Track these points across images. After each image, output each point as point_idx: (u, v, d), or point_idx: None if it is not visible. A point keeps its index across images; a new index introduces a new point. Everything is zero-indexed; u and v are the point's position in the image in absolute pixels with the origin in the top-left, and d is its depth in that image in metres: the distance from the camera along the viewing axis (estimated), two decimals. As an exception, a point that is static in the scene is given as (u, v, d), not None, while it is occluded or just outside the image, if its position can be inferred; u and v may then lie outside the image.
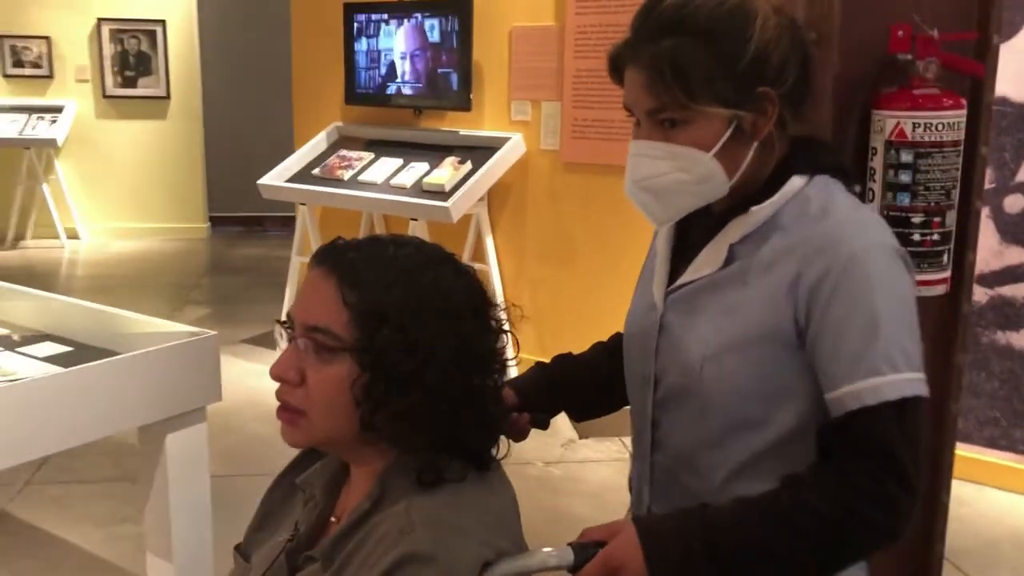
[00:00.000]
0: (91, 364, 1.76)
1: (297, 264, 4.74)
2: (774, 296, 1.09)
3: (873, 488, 1.01)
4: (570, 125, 4.17)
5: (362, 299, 1.02)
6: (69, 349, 2.07)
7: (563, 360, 1.45)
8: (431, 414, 1.04)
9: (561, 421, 4.14)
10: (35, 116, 7.55)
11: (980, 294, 3.23)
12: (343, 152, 4.69)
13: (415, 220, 4.18)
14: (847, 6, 1.52)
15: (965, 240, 1.64)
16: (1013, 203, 3.20)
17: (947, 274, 1.58)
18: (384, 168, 4.47)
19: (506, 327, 1.17)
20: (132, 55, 7.92)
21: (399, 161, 4.48)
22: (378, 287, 1.03)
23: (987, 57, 1.60)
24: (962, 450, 1.85)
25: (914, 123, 1.50)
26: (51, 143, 7.33)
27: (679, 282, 1.20)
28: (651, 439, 1.25)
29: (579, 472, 3.44)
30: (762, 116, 1.11)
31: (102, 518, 2.98)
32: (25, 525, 2.99)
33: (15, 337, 2.15)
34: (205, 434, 1.97)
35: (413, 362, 1.02)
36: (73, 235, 7.66)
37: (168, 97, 7.98)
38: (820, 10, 1.55)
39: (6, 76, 7.71)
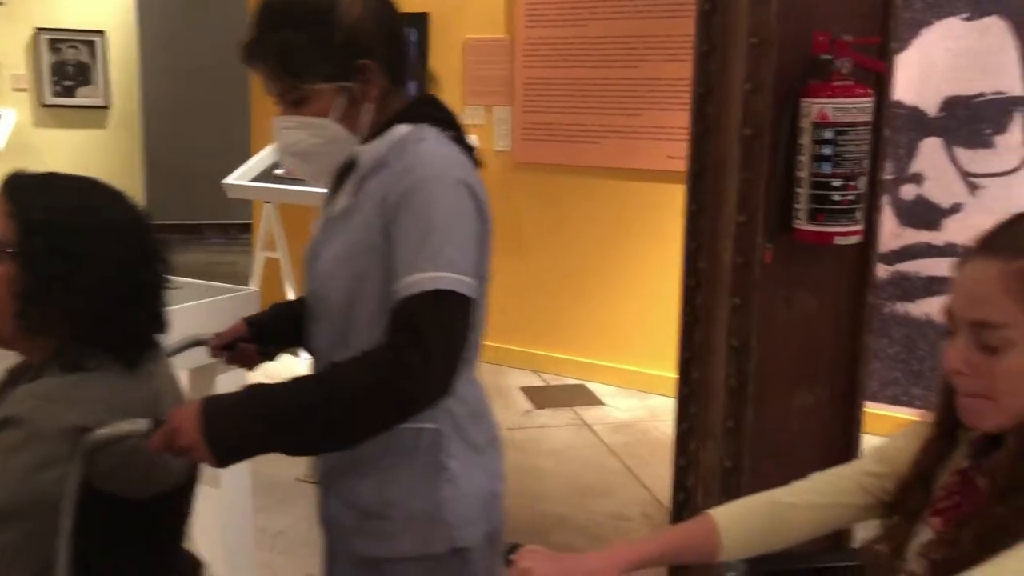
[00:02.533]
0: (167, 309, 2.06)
1: (262, 258, 5.00)
2: (372, 215, 1.30)
3: (394, 356, 1.18)
4: (521, 128, 4.58)
5: (22, 211, 1.21)
6: None
7: (292, 302, 1.62)
8: (79, 313, 1.21)
9: (517, 395, 4.49)
10: (-29, 124, 7.58)
11: (881, 270, 3.75)
12: (304, 154, 4.99)
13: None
14: (781, 17, 1.96)
15: (874, 200, 2.09)
16: (908, 191, 3.74)
17: (860, 227, 2.03)
18: (346, 168, 4.79)
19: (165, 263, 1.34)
20: (71, 65, 8.01)
21: (359, 162, 4.80)
22: (38, 203, 1.22)
23: (886, 57, 2.06)
24: (870, 408, 2.27)
25: (834, 108, 1.95)
26: (-9, 150, 7.38)
27: (324, 215, 1.44)
28: (311, 348, 1.45)
29: (540, 435, 3.82)
30: (368, 84, 1.33)
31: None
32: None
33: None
34: (243, 375, 2.28)
35: (64, 267, 1.19)
36: (11, 242, 7.68)
37: (107, 107, 8.08)
38: (760, 20, 1.99)
39: (-59, 84, 7.71)
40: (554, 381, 4.55)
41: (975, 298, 1.00)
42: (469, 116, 4.72)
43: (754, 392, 2.06)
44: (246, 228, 8.90)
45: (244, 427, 1.17)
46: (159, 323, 1.32)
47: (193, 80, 8.55)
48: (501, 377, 4.60)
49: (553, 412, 4.11)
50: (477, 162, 1.42)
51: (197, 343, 1.57)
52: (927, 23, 3.64)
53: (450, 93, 4.88)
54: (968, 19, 3.58)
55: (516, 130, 4.60)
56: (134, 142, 8.20)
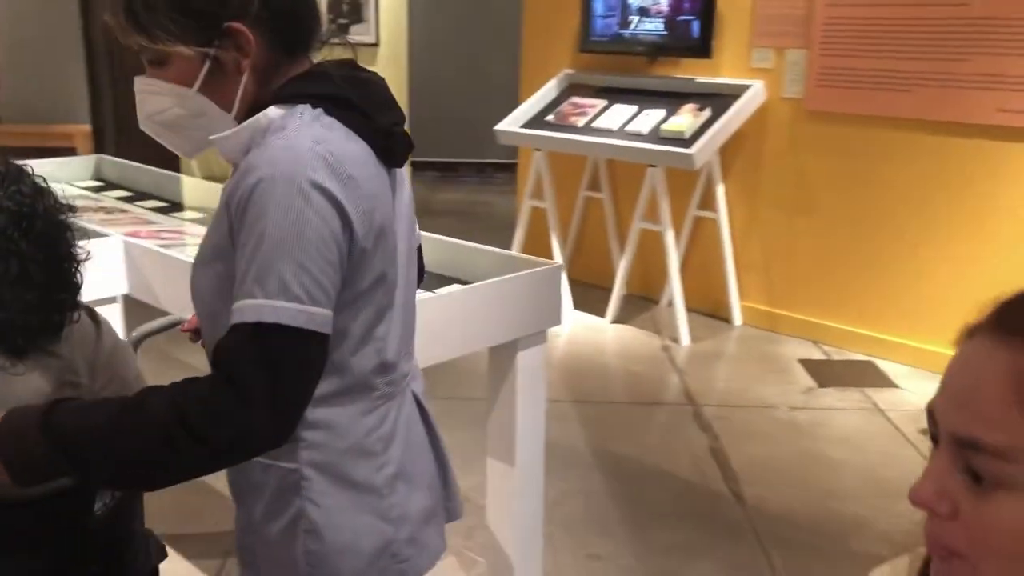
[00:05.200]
0: (472, 286, 1.95)
1: (528, 207, 4.92)
2: (223, 216, 1.10)
3: (205, 397, 1.01)
4: (817, 73, 4.12)
5: None
6: None
7: None
8: None
9: (796, 368, 4.18)
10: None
11: None
12: (575, 99, 4.81)
13: (653, 167, 4.27)
14: None
15: None
16: None
17: None
18: (618, 115, 4.56)
19: (80, 259, 1.21)
20: (346, 3, 8.29)
21: (633, 108, 4.56)
22: None
23: None
24: None
25: None
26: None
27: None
28: (205, 345, 1.28)
29: (826, 418, 3.48)
30: (240, 51, 1.11)
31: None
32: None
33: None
34: (545, 354, 2.16)
35: None
36: (289, 175, 8.17)
37: (377, 44, 8.33)
38: None
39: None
40: (837, 355, 4.15)
41: (967, 401, 0.61)
42: (756, 60, 4.33)
43: None
44: (500, 167, 8.97)
45: (32, 451, 1.03)
46: (54, 310, 1.18)
47: (457, 21, 8.61)
48: (774, 345, 4.27)
49: (839, 392, 3.74)
50: (394, 153, 1.16)
51: (173, 324, 1.43)
52: None
53: (737, 34, 4.54)
54: None
55: (811, 75, 4.15)
56: (401, 81, 8.41)
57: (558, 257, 4.85)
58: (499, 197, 7.95)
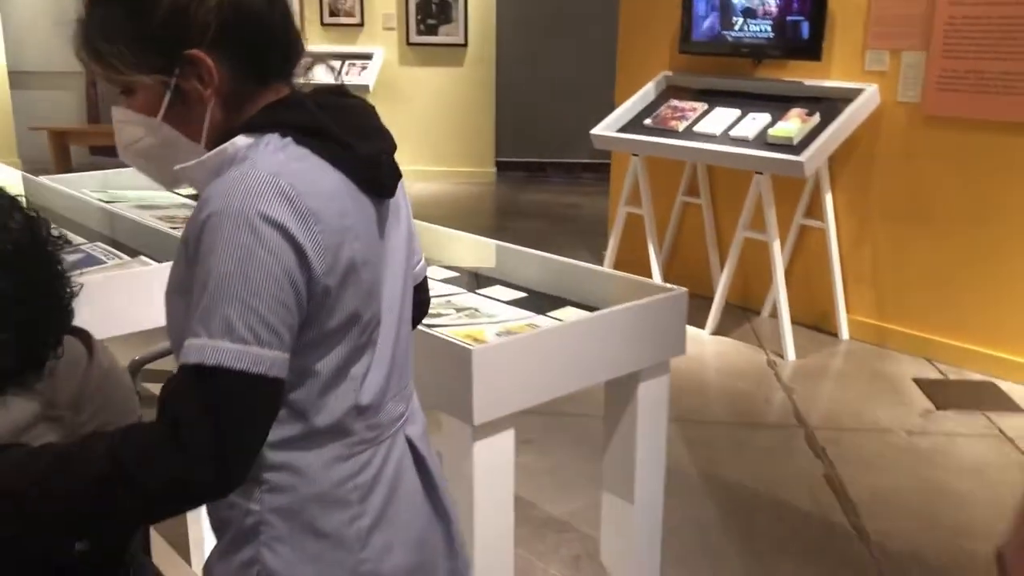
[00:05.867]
0: (598, 314, 1.86)
1: (624, 213, 4.80)
2: (182, 250, 1.06)
3: (144, 443, 0.97)
4: (936, 76, 3.90)
5: None
6: (523, 295, 2.21)
7: None
8: None
9: (911, 388, 3.97)
10: (348, 63, 8.11)
11: None
12: (674, 102, 4.67)
13: (760, 174, 4.10)
14: None
15: None
16: None
17: None
18: (721, 119, 4.41)
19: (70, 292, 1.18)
20: (435, 3, 8.27)
21: (736, 112, 4.39)
22: None
23: None
24: None
25: None
26: (364, 89, 7.85)
27: None
28: None
29: (948, 446, 3.29)
30: (201, 80, 1.06)
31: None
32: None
33: (468, 279, 2.33)
34: (668, 385, 2.05)
35: None
36: (376, 175, 8.21)
37: (466, 45, 8.29)
38: None
39: (323, 25, 8.32)
40: (954, 375, 3.93)
41: None
42: (870, 62, 4.12)
43: None
44: (588, 168, 8.84)
45: None
46: (32, 351, 1.15)
47: (543, 21, 8.53)
48: (885, 362, 4.06)
49: (960, 416, 3.53)
50: (380, 184, 1.10)
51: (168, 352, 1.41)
52: None
53: (849, 35, 4.34)
54: None
55: (929, 78, 3.92)
56: (487, 81, 8.35)
57: (654, 265, 4.72)
58: (587, 198, 7.83)
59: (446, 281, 2.30)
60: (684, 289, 2.00)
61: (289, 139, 1.05)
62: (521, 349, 1.71)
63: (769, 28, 4.34)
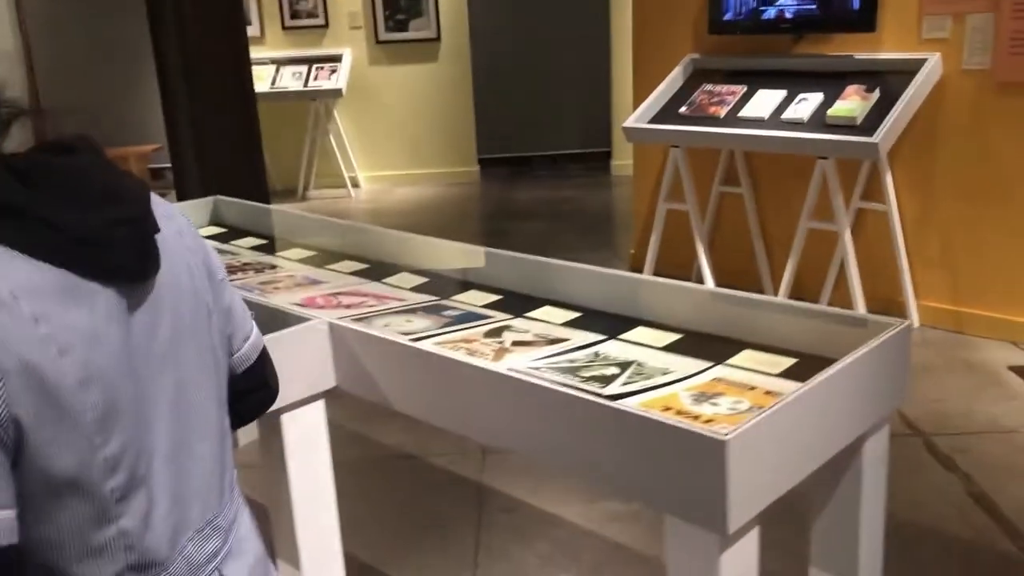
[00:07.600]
0: (840, 366, 1.48)
1: (664, 211, 4.45)
2: None
3: None
4: (1008, 39, 3.62)
5: None
6: (577, 314, 1.80)
7: None
8: None
9: (1009, 377, 3.64)
10: (315, 67, 7.61)
11: None
12: (709, 87, 4.33)
13: (824, 158, 3.78)
14: None
15: None
16: None
17: None
18: (766, 102, 4.08)
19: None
20: (402, -2, 7.81)
21: (781, 93, 4.07)
22: None
23: None
24: None
25: None
26: (336, 93, 7.38)
27: None
28: None
29: (1083, 444, 3.01)
30: None
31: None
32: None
33: (513, 302, 1.94)
34: (888, 440, 1.71)
35: None
36: (355, 183, 7.76)
37: (438, 39, 7.86)
38: None
39: (285, 29, 7.80)
40: (1049, 359, 3.67)
41: None
42: (928, 29, 3.82)
43: None
44: (574, 158, 8.48)
45: None
46: None
47: (518, 10, 8.12)
48: (970, 350, 3.79)
49: (1083, 408, 3.26)
50: (115, 266, 0.88)
51: None
52: None
53: (904, 2, 3.99)
54: None
55: (999, 42, 3.64)
56: (464, 76, 7.92)
57: (703, 262, 4.38)
58: (581, 192, 7.47)
59: (488, 306, 1.98)
60: (907, 321, 1.65)
61: None
62: (775, 428, 1.35)
63: (814, 1, 4.01)
